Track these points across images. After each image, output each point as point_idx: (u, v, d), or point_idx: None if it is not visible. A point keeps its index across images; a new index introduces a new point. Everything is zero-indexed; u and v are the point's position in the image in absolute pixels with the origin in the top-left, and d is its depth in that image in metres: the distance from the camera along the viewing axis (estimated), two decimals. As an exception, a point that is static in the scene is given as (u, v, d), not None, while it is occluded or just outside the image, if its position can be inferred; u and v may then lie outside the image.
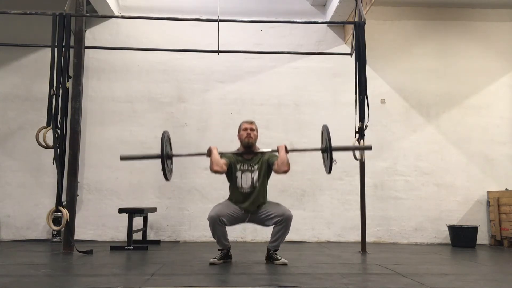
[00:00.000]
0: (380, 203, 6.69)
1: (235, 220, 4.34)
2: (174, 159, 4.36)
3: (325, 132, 4.24)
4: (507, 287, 3.54)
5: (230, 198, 4.43)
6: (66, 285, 3.39)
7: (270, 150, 4.40)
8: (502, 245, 6.33)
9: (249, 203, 4.31)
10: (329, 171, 4.21)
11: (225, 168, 4.25)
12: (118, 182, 6.58)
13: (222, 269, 4.04)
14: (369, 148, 4.62)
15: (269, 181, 4.47)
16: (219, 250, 4.38)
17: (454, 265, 4.84)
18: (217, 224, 4.19)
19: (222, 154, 4.33)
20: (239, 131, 4.45)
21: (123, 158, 4.54)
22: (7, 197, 6.51)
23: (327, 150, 4.15)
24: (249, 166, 4.36)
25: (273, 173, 4.40)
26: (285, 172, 4.26)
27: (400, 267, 4.27)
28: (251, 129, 4.39)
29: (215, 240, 4.34)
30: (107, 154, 6.63)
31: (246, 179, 4.34)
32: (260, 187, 4.34)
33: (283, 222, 4.29)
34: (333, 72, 6.86)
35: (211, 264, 4.23)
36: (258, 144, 4.48)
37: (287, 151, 4.26)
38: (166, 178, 4.18)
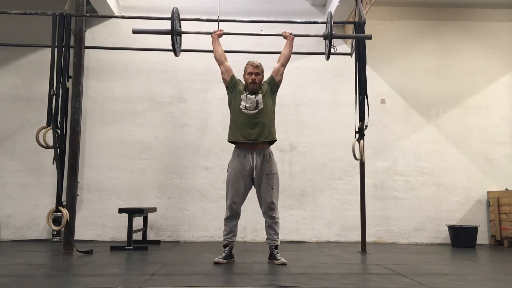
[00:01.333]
0: (380, 203, 6.69)
1: (245, 192, 4.37)
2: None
3: (329, 18, 4.60)
4: (507, 287, 3.54)
5: (233, 124, 4.36)
6: (66, 285, 3.39)
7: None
8: (502, 245, 6.34)
9: (254, 127, 4.26)
10: (328, 58, 4.84)
11: (225, 61, 4.46)
12: (118, 182, 6.58)
13: (222, 269, 4.04)
14: (369, 37, 5.02)
15: None
16: (224, 246, 4.38)
17: (454, 265, 4.84)
18: (235, 217, 4.36)
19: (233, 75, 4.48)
20: (244, 71, 4.45)
21: (135, 32, 4.88)
22: (7, 197, 6.51)
23: (328, 37, 4.64)
24: (253, 93, 4.37)
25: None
26: (284, 65, 4.53)
27: (400, 267, 4.27)
28: (256, 74, 4.38)
29: (218, 239, 4.36)
30: (107, 154, 6.63)
31: (250, 101, 4.32)
32: (264, 108, 4.31)
33: (272, 219, 4.34)
34: (333, 72, 6.85)
35: (216, 263, 4.23)
36: None
37: (291, 33, 4.58)
38: (176, 54, 4.64)
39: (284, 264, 4.22)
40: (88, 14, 6.19)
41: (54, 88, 5.09)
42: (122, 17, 6.53)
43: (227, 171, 4.43)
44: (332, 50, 4.76)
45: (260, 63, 4.48)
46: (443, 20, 7.12)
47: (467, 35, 7.11)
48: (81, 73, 5.42)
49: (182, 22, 6.29)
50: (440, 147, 6.87)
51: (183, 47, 6.48)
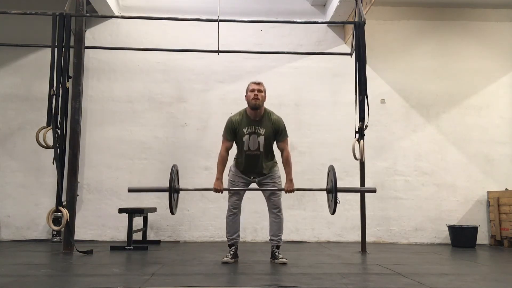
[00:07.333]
0: (380, 203, 6.69)
1: (245, 186, 4.46)
2: (180, 190, 4.49)
3: (331, 173, 4.26)
4: (507, 287, 3.54)
5: (237, 158, 4.49)
6: (66, 285, 3.40)
7: (277, 116, 4.45)
8: (502, 245, 6.34)
9: (257, 166, 4.37)
10: (333, 212, 4.25)
11: (228, 151, 4.44)
12: (118, 182, 6.58)
13: (222, 269, 4.04)
14: (374, 190, 4.69)
15: None
16: (229, 246, 4.45)
17: (454, 265, 4.84)
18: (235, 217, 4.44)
19: (228, 129, 4.44)
20: (246, 91, 4.45)
21: (130, 190, 4.52)
22: (7, 197, 6.51)
23: (332, 191, 4.19)
24: (256, 129, 4.36)
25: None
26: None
27: (400, 267, 4.27)
28: (259, 90, 4.38)
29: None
30: (107, 154, 6.63)
31: (253, 142, 4.35)
32: (265, 150, 4.37)
33: (277, 218, 4.42)
34: (333, 72, 6.86)
35: (224, 263, 4.28)
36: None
37: (293, 190, 4.40)
38: (172, 212, 4.31)
39: (284, 263, 4.25)
40: (88, 14, 6.19)
41: (54, 88, 5.08)
42: (122, 17, 6.53)
43: (228, 175, 4.55)
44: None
45: (262, 82, 4.50)
46: (443, 20, 7.12)
47: (467, 35, 7.10)
48: (81, 73, 5.42)
49: (181, 22, 6.31)
50: (440, 147, 6.87)
51: (183, 47, 6.53)
